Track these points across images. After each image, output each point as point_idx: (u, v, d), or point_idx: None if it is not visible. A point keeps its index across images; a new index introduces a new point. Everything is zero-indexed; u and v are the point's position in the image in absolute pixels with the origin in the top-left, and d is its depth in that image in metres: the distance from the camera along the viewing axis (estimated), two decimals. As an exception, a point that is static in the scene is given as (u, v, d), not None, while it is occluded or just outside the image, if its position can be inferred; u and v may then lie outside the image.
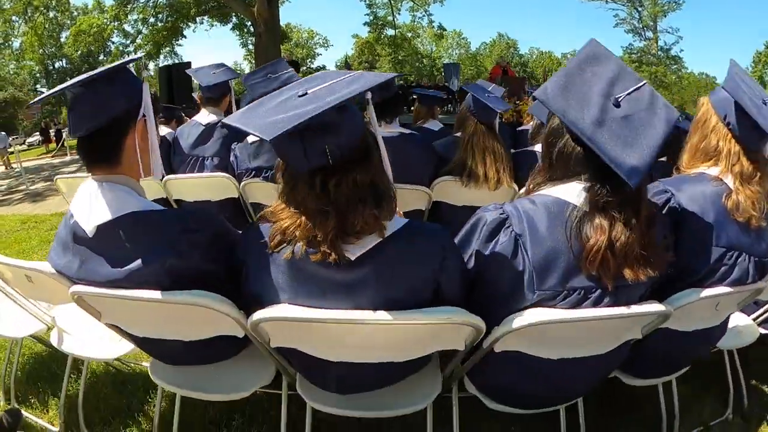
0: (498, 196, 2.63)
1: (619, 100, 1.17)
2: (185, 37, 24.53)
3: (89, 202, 1.28)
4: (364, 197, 1.12)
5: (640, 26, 37.52)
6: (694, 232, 1.47)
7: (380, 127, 2.63)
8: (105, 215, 1.25)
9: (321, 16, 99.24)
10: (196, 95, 3.70)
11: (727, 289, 1.45)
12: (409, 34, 32.43)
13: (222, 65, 3.48)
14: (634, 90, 1.19)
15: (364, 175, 1.13)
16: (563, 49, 73.31)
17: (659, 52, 37.63)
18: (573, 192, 1.22)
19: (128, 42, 24.13)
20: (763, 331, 2.07)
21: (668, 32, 36.95)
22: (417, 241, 1.21)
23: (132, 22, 23.91)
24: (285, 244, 1.15)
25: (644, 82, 1.24)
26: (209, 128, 3.18)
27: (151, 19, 23.68)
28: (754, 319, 2.04)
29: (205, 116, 3.26)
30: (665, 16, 36.29)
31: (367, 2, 26.84)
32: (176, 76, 9.76)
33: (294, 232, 1.13)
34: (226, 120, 1.23)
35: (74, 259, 1.29)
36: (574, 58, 1.28)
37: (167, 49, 24.63)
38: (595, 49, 1.27)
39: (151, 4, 23.37)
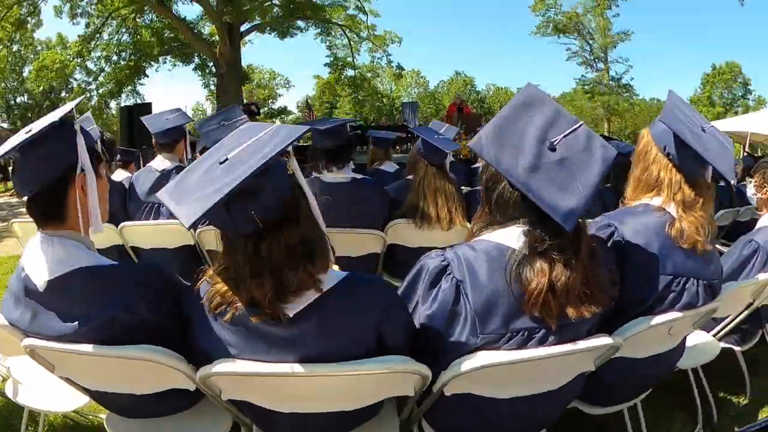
0: (451, 236, 2.67)
1: (555, 143, 1.20)
2: (147, 76, 24.42)
3: (39, 257, 1.30)
4: (296, 256, 1.14)
5: (592, 58, 39.19)
6: (639, 263, 1.52)
7: (332, 173, 2.75)
8: (55, 270, 1.27)
9: (282, 57, 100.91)
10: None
11: (677, 315, 1.50)
12: (369, 75, 33.21)
13: (176, 110, 3.47)
14: (570, 132, 1.23)
15: (294, 233, 1.15)
16: (519, 83, 77.05)
17: (611, 82, 39.21)
18: (512, 236, 1.24)
19: (90, 79, 23.77)
20: (724, 345, 2.20)
21: (618, 62, 38.78)
22: (357, 292, 1.24)
23: (95, 60, 23.62)
24: (225, 306, 1.17)
25: (580, 123, 1.27)
26: (165, 175, 3.15)
27: (114, 57, 23.50)
28: (714, 335, 2.17)
29: (160, 162, 3.26)
30: (615, 47, 38.11)
31: (328, 44, 27.36)
32: (137, 117, 9.75)
33: (233, 296, 1.15)
34: (159, 194, 1.23)
35: (26, 311, 1.30)
36: (508, 104, 1.31)
37: (129, 88, 24.37)
38: (530, 94, 1.31)
39: (114, 42, 23.30)
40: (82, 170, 1.31)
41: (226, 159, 1.11)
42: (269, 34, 25.19)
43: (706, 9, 72.92)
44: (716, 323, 2.19)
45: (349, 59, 27.69)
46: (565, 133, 1.21)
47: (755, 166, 2.93)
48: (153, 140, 3.42)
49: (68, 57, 23.42)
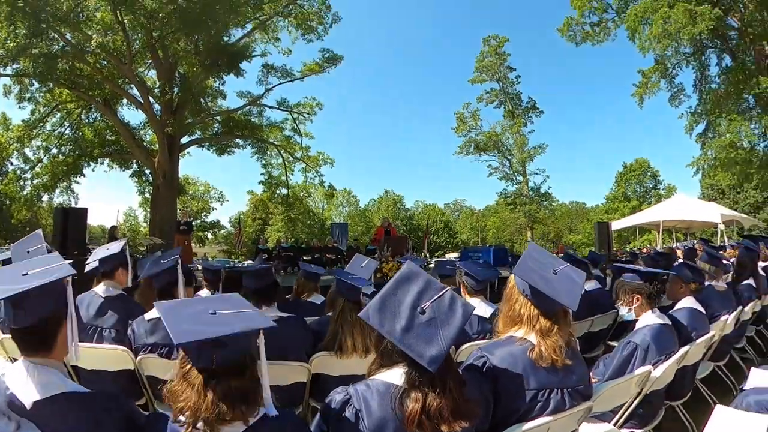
0: (368, 363, 2.95)
1: (425, 308, 1.58)
2: (84, 175, 23.90)
3: (26, 380, 1.55)
4: (235, 399, 1.44)
5: (511, 172, 41.70)
6: (508, 382, 1.89)
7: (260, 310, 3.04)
8: (40, 393, 1.52)
9: (218, 171, 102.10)
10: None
11: (548, 419, 1.87)
12: (302, 194, 33.96)
13: (116, 241, 3.74)
14: (437, 297, 1.61)
15: (239, 383, 1.46)
16: (446, 199, 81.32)
17: (530, 193, 41.38)
18: (396, 375, 1.59)
19: (27, 167, 22.66)
20: (626, 431, 2.58)
21: (536, 173, 41.51)
22: (273, 428, 1.53)
23: (34, 148, 22.94)
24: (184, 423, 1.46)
25: (447, 289, 1.65)
26: (108, 301, 3.36)
27: (54, 150, 23.06)
28: (615, 424, 2.57)
29: (103, 289, 3.42)
30: (532, 160, 41.04)
31: (263, 162, 28.13)
32: (71, 221, 9.49)
33: (186, 412, 1.44)
34: (158, 307, 1.60)
35: (10, 423, 1.51)
36: (393, 278, 1.68)
37: (64, 184, 23.44)
38: (408, 270, 1.69)
39: (56, 134, 23.01)
40: (70, 313, 1.65)
41: (215, 313, 1.51)
42: (208, 149, 25.81)
43: (611, 114, 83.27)
44: (613, 414, 2.65)
45: (283, 178, 28.50)
46: (433, 299, 1.60)
47: (614, 288, 3.46)
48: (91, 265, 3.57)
49: (8, 139, 22.54)
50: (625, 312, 3.16)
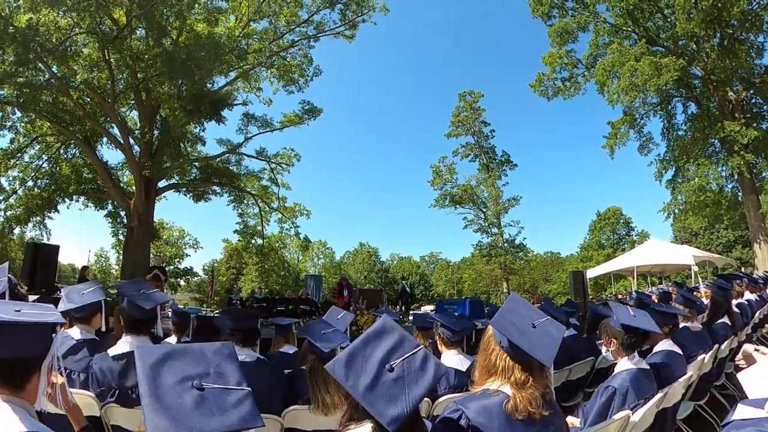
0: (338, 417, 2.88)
1: (393, 365, 1.54)
2: (58, 211, 23.33)
3: None
4: None
5: (486, 224, 42.27)
6: None
7: (239, 353, 2.97)
8: (5, 429, 1.45)
9: (194, 217, 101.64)
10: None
11: None
12: (277, 244, 33.64)
13: (91, 284, 3.65)
14: (410, 355, 1.58)
15: None
16: (421, 252, 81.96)
17: (505, 244, 41.98)
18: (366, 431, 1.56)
19: (1, 198, 22.06)
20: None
21: (511, 225, 42.15)
22: None
23: (11, 178, 22.43)
24: None
25: (420, 348, 1.62)
26: (80, 344, 3.29)
27: (30, 183, 22.65)
28: None
29: (76, 332, 3.37)
30: (507, 213, 41.69)
31: (239, 211, 27.99)
32: (42, 258, 9.28)
33: None
34: (140, 381, 1.31)
35: None
36: (366, 331, 1.65)
37: (38, 218, 22.88)
38: (383, 325, 1.67)
39: (34, 166, 22.69)
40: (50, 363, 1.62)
41: (202, 388, 1.33)
42: (185, 195, 25.66)
43: (583, 164, 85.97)
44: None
45: (259, 228, 28.37)
46: (405, 356, 1.58)
47: (599, 327, 3.53)
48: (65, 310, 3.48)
49: (-15, 166, 22.08)
50: (604, 351, 3.19)
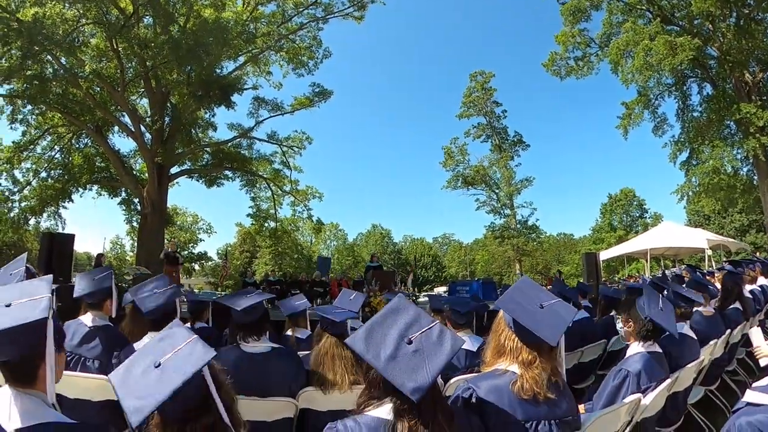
0: (354, 396, 2.86)
1: (412, 339, 1.59)
2: (72, 201, 23.57)
3: (8, 407, 1.54)
4: None
5: (499, 206, 42.30)
6: (495, 415, 1.90)
7: (249, 344, 3.02)
8: (23, 421, 1.52)
9: (207, 202, 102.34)
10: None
11: None
12: (290, 227, 33.77)
13: (103, 270, 3.70)
14: (427, 329, 1.62)
15: (208, 418, 1.53)
16: (434, 234, 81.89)
17: (518, 225, 41.98)
18: (385, 410, 1.61)
19: (15, 189, 22.29)
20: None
21: (524, 206, 42.20)
22: None
23: (24, 171, 22.70)
24: None
25: (436, 323, 1.66)
26: (93, 331, 3.34)
27: (43, 174, 22.91)
28: None
29: (89, 319, 3.41)
30: (519, 194, 41.69)
31: (252, 195, 28.12)
32: (57, 247, 9.43)
33: None
34: (112, 377, 1.54)
35: None
36: (383, 309, 1.71)
37: (52, 209, 23.12)
38: (398, 303, 1.72)
39: (46, 158, 22.93)
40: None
41: (159, 364, 1.51)
42: (197, 180, 25.76)
43: (596, 146, 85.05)
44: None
45: (272, 211, 28.44)
46: (423, 329, 1.62)
47: (622, 304, 3.48)
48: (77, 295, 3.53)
49: (-1, 160, 22.40)
50: (619, 326, 3.15)
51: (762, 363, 2.69)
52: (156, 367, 1.50)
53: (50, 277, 1.85)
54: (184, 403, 1.49)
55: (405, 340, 1.59)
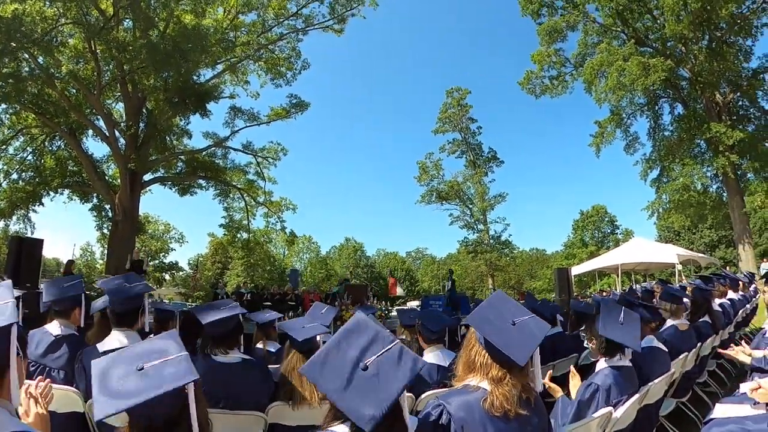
0: (322, 412, 2.84)
1: (368, 363, 1.52)
2: (43, 205, 22.94)
3: None
4: None
5: (472, 221, 42.87)
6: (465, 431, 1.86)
7: (219, 356, 2.97)
8: None
9: (179, 211, 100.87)
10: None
11: None
12: (263, 239, 33.43)
13: (73, 278, 3.60)
14: (384, 351, 1.56)
15: (183, 427, 1.49)
16: (407, 248, 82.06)
17: (491, 241, 42.44)
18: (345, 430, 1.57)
19: None
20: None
21: (497, 222, 42.78)
22: None
23: None
24: None
25: (395, 342, 1.60)
26: (59, 340, 3.21)
27: (14, 175, 22.29)
28: None
29: (55, 327, 3.29)
30: (493, 209, 42.25)
31: (225, 205, 27.82)
32: (26, 251, 9.15)
33: None
34: (94, 366, 1.51)
35: None
36: (339, 330, 1.65)
37: (22, 211, 22.56)
38: (355, 322, 1.66)
39: (18, 159, 22.33)
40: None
41: (142, 368, 1.47)
42: (170, 189, 25.39)
43: (569, 163, 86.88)
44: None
45: (245, 222, 28.19)
46: (380, 353, 1.56)
47: (588, 321, 3.51)
48: (45, 302, 3.42)
49: (-31, 159, 21.55)
50: (585, 344, 3.16)
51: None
52: (138, 370, 1.47)
53: (10, 282, 1.77)
54: (158, 412, 1.46)
55: (360, 366, 1.53)
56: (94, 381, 1.45)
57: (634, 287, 17.97)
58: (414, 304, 32.22)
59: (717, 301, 6.46)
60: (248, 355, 3.76)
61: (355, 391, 1.48)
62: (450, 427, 1.89)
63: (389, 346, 1.58)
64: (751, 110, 23.64)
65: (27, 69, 17.59)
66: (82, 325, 3.50)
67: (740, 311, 7.38)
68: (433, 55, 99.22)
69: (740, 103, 23.77)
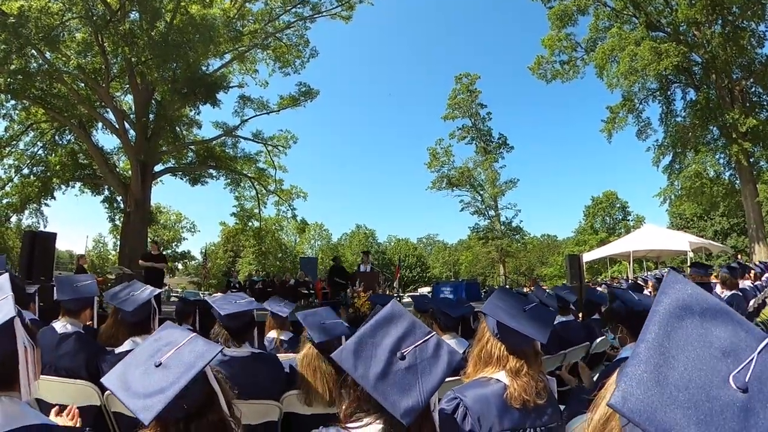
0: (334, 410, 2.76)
1: (405, 353, 1.43)
2: (54, 198, 23.19)
3: None
4: (217, 430, 1.51)
5: (483, 207, 42.77)
6: (482, 424, 1.88)
7: (231, 349, 2.97)
8: (7, 425, 1.47)
9: (191, 200, 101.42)
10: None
11: None
12: (274, 227, 33.50)
13: (86, 278, 3.58)
14: (422, 342, 1.47)
15: (214, 415, 1.51)
16: (418, 234, 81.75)
17: (502, 227, 42.34)
18: (373, 430, 1.47)
19: None
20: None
21: (508, 208, 42.70)
22: None
23: (6, 167, 22.30)
24: None
25: (432, 334, 1.51)
26: (63, 338, 3.21)
27: (25, 170, 22.53)
28: None
29: (62, 326, 3.27)
30: (503, 195, 42.04)
31: (236, 194, 27.93)
32: (39, 246, 9.22)
33: None
34: (106, 382, 1.49)
35: None
36: (374, 318, 1.54)
37: (34, 206, 22.79)
38: (390, 311, 1.56)
39: (29, 154, 22.54)
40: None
41: (160, 363, 1.44)
42: (181, 179, 25.50)
43: (580, 148, 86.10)
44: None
45: (256, 211, 28.32)
46: (417, 343, 1.47)
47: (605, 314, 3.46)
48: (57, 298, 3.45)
49: (-21, 155, 21.85)
50: (611, 338, 3.13)
51: None
52: (157, 366, 1.45)
53: (7, 275, 1.78)
54: (187, 401, 1.45)
55: (398, 355, 1.45)
56: (117, 393, 1.43)
57: (645, 275, 17.91)
58: (425, 290, 32.28)
59: (726, 292, 6.40)
60: (259, 343, 3.77)
61: (393, 381, 1.40)
62: (467, 421, 1.90)
63: (426, 337, 1.51)
64: (765, 97, 23.14)
65: (35, 65, 17.67)
66: (95, 326, 3.54)
67: (752, 301, 7.31)
68: (444, 40, 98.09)
69: (753, 89, 23.24)
